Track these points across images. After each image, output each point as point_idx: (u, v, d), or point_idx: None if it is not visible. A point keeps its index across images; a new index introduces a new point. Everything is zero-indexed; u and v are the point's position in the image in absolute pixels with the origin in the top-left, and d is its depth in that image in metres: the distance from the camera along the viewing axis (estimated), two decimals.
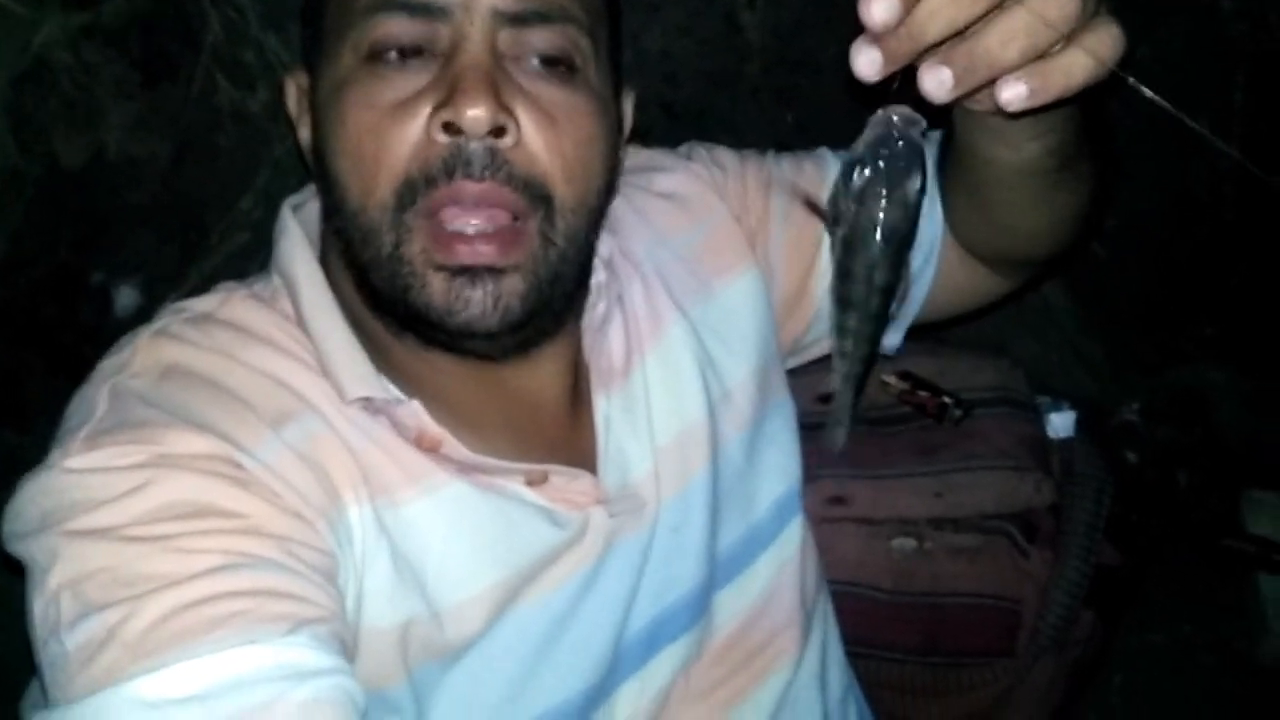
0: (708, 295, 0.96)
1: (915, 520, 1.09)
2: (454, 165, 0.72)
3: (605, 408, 0.87)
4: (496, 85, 0.73)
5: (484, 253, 0.74)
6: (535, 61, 0.76)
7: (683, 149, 1.05)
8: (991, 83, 0.57)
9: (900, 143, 0.57)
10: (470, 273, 0.74)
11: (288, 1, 1.09)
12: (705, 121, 1.35)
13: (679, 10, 1.29)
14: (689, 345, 0.93)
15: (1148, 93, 0.56)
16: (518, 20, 0.74)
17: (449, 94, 0.72)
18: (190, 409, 0.70)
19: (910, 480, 1.09)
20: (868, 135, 0.58)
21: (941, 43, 0.56)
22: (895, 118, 0.58)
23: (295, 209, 0.86)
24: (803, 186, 1.00)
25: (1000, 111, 0.59)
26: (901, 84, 0.58)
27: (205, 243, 1.16)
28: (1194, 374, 1.55)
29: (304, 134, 0.84)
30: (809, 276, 1.01)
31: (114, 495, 0.65)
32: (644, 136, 1.31)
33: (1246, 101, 1.39)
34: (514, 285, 0.75)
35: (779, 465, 0.99)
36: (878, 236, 0.58)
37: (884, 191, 0.58)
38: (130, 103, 1.07)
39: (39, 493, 0.67)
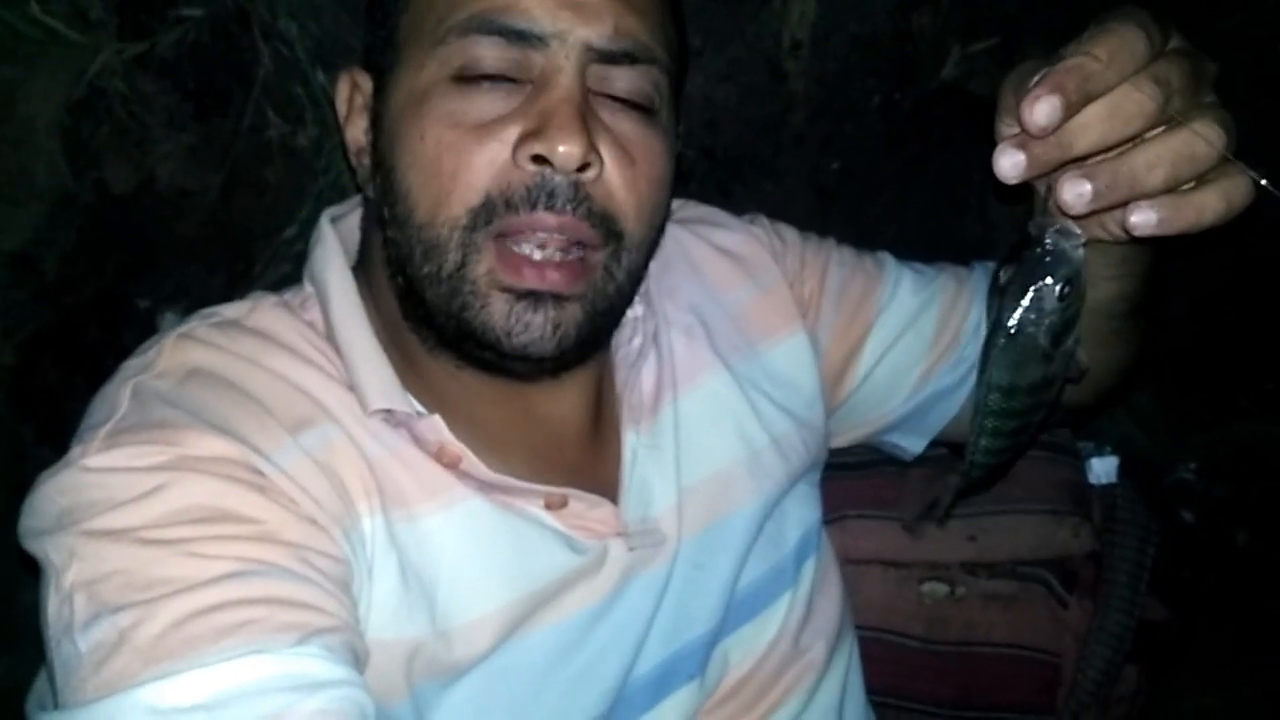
0: (753, 354, 0.96)
1: (947, 564, 1.06)
2: (537, 195, 0.73)
3: (634, 441, 0.87)
4: (587, 121, 0.73)
5: (551, 279, 0.74)
6: (618, 98, 0.77)
7: (747, 216, 1.06)
8: (1122, 205, 0.58)
9: (1075, 249, 0.62)
10: (534, 297, 0.74)
11: (337, 38, 1.13)
12: (744, 167, 1.35)
13: (721, 57, 1.30)
14: (727, 396, 0.93)
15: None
16: (608, 57, 0.75)
17: (540, 125, 0.72)
18: (211, 411, 0.71)
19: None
20: (1044, 245, 0.61)
21: (1086, 157, 0.57)
22: (1062, 230, 0.62)
23: (334, 220, 0.87)
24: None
25: (1102, 240, 0.65)
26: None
27: (250, 273, 1.18)
28: (1252, 430, 1.50)
29: (355, 134, 0.83)
30: (851, 361, 1.01)
31: (132, 496, 0.66)
32: (684, 181, 1.33)
33: None
34: (574, 314, 0.76)
35: (805, 508, 0.99)
36: (1072, 335, 0.63)
37: (1067, 295, 0.62)
38: (182, 133, 1.10)
39: (57, 490, 0.68)
